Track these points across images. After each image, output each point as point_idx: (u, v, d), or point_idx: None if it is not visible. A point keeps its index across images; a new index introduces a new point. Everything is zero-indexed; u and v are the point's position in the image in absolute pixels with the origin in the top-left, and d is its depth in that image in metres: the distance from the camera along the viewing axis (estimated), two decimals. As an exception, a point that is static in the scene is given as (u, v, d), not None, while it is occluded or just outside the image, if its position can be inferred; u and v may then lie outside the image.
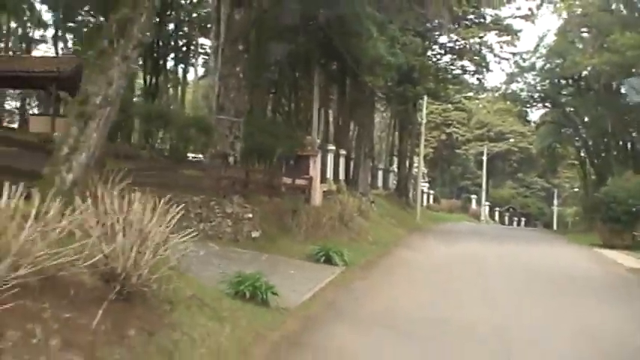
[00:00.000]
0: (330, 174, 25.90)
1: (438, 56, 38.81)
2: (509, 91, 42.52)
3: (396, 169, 46.04)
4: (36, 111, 25.86)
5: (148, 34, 8.20)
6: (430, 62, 34.08)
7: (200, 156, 23.55)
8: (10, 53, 26.51)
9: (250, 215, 15.11)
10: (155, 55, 31.86)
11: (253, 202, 16.29)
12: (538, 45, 38.67)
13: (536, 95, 41.32)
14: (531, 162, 68.52)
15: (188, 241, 6.41)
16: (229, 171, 16.34)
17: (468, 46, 35.67)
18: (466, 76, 40.45)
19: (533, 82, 40.29)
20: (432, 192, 59.51)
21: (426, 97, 37.51)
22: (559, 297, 12.35)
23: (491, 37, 35.55)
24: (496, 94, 47.50)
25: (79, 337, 4.80)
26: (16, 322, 4.34)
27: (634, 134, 34.61)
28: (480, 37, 35.05)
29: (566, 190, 71.62)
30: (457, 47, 36.61)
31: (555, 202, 67.38)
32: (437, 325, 8.87)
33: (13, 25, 29.76)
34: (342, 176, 29.21)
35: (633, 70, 27.38)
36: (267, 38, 22.02)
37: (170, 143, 24.26)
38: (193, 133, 22.08)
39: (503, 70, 41.65)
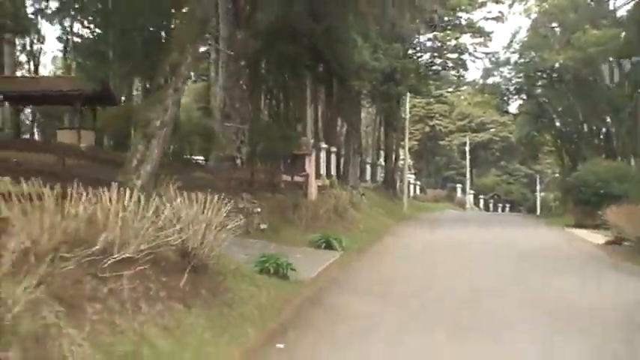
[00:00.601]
0: (323, 170, 28.18)
1: (419, 54, 41.22)
2: (487, 84, 44.88)
3: (383, 163, 48.25)
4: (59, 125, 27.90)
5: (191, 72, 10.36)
6: (411, 64, 36.23)
7: (200, 158, 25.64)
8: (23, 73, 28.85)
9: (258, 210, 17.28)
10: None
11: (259, 198, 18.45)
12: (511, 41, 41.30)
13: (512, 88, 43.80)
14: (512, 150, 70.81)
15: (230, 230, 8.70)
16: (237, 172, 18.50)
17: (444, 47, 38.15)
18: (445, 72, 42.89)
19: (508, 76, 42.83)
20: (418, 183, 61.89)
21: (408, 94, 39.85)
22: (525, 267, 14.73)
23: (466, 39, 38.19)
24: (475, 87, 49.82)
25: (174, 292, 7.05)
26: (140, 281, 6.56)
27: (602, 122, 37.09)
28: (456, 39, 37.54)
29: (548, 176, 74.02)
30: (435, 46, 39.06)
31: (538, 187, 69.82)
32: (418, 289, 11.22)
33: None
34: (333, 172, 31.51)
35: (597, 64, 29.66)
36: (261, 49, 24.10)
37: (173, 148, 26.25)
38: (197, 138, 24.15)
39: (477, 69, 44.29)
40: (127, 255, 6.40)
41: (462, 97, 68.36)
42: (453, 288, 11.31)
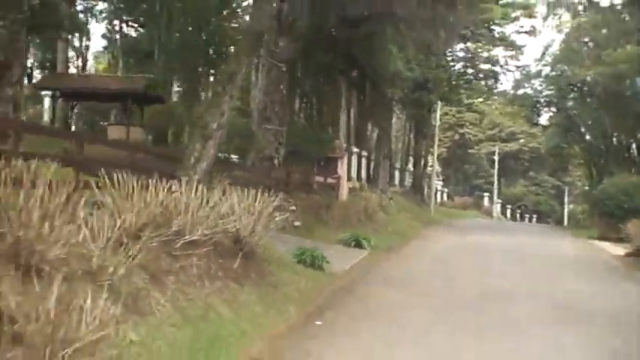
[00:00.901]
0: (354, 173, 29.25)
1: (451, 63, 42.08)
2: (518, 95, 45.48)
3: (411, 168, 49.15)
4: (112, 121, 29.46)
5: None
6: (443, 74, 37.08)
7: (235, 157, 26.90)
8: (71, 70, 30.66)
9: (293, 208, 18.37)
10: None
11: (294, 197, 19.60)
12: (544, 53, 41.90)
13: (542, 100, 44.33)
14: (542, 161, 70.87)
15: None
16: (274, 172, 19.67)
17: (476, 58, 39.00)
18: (477, 82, 43.68)
19: (539, 88, 43.37)
20: (445, 190, 62.56)
21: (439, 102, 40.72)
22: (542, 271, 15.65)
23: (498, 51, 38.97)
24: (506, 98, 50.39)
25: (230, 273, 8.21)
26: (203, 261, 7.72)
27: (630, 137, 37.52)
28: (488, 51, 38.39)
29: (577, 188, 73.94)
30: (468, 57, 39.93)
31: (566, 199, 69.90)
32: (443, 284, 12.24)
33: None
34: (364, 175, 32.56)
35: (627, 80, 30.28)
36: (299, 55, 25.25)
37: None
38: (235, 139, 25.39)
39: (508, 81, 45.01)
40: (194, 238, 7.56)
41: (493, 107, 68.72)
42: (472, 287, 12.29)
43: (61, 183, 5.93)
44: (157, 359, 5.26)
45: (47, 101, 26.88)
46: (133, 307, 5.64)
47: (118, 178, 7.24)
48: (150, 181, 7.63)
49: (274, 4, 12.91)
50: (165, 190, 7.57)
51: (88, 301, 4.54)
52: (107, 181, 7.08)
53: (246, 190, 9.59)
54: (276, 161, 19.86)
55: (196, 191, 8.37)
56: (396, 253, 18.27)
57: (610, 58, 29.64)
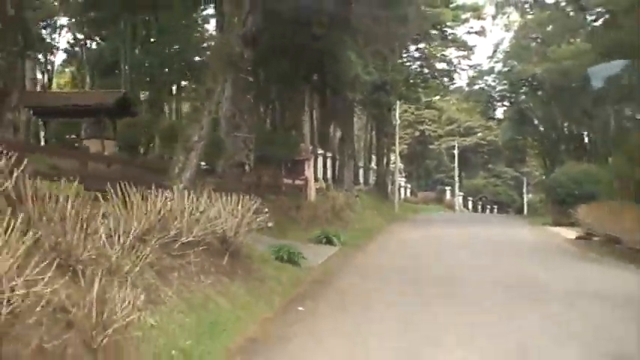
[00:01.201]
0: (320, 174, 30.45)
1: (408, 63, 43.70)
2: (472, 92, 47.41)
3: (374, 166, 50.62)
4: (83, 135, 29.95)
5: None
6: (399, 75, 38.57)
7: (203, 164, 27.82)
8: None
9: (266, 210, 19.49)
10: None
11: (265, 199, 20.67)
12: (495, 50, 43.89)
13: (496, 95, 46.34)
14: (499, 153, 73.34)
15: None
16: (245, 177, 20.73)
17: (431, 58, 40.77)
18: (432, 80, 45.48)
19: (492, 84, 45.36)
20: (408, 186, 64.35)
21: (398, 102, 42.25)
22: (497, 255, 17.13)
23: (451, 51, 40.80)
24: (462, 94, 52.31)
25: (220, 269, 9.29)
26: (197, 259, 8.79)
27: (578, 128, 39.64)
28: (441, 52, 40.15)
29: (535, 178, 76.46)
30: (423, 57, 41.65)
31: (525, 189, 72.34)
32: (405, 271, 13.54)
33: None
34: (329, 175, 33.79)
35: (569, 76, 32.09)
36: (263, 64, 26.31)
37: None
38: (206, 147, 26.29)
39: (462, 80, 46.95)
40: (189, 239, 8.64)
41: (451, 103, 70.77)
42: (434, 272, 13.62)
43: (76, 197, 6.95)
44: (172, 339, 6.34)
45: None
46: (148, 298, 6.69)
47: (121, 190, 8.28)
48: (146, 191, 8.67)
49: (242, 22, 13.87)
50: (163, 199, 8.61)
51: (119, 294, 5.63)
52: (112, 194, 8.09)
53: (220, 195, 10.66)
54: (247, 167, 20.91)
55: (188, 198, 9.45)
56: (363, 248, 19.52)
57: (555, 55, 31.44)
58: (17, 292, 4.65)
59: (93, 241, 6.37)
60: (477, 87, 46.11)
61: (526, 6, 39.99)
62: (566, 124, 39.76)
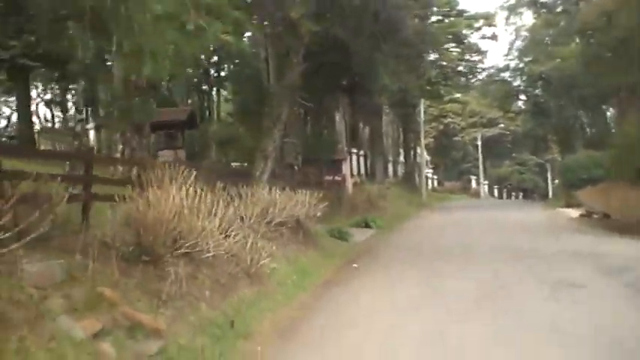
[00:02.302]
0: (355, 170, 34.75)
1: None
2: (490, 89, 51.31)
3: (403, 160, 54.73)
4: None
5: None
6: (422, 81, 42.70)
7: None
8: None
9: (325, 202, 23.88)
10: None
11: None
12: (510, 49, 47.71)
13: (513, 90, 50.16)
14: (523, 142, 76.42)
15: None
16: (296, 175, 25.12)
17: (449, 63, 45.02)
18: (453, 80, 49.62)
19: (509, 80, 49.18)
20: (435, 177, 68.25)
21: (422, 100, 46.35)
22: (504, 231, 21.26)
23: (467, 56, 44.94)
24: (480, 91, 56.16)
25: (297, 241, 13.71)
26: (284, 234, 13.18)
27: (585, 119, 43.39)
28: (460, 58, 44.30)
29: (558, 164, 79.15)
30: (442, 64, 45.91)
31: (549, 175, 75.39)
32: (429, 243, 17.86)
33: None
34: (362, 171, 38.08)
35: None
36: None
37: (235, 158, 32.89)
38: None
39: (480, 77, 51.38)
40: (279, 221, 13.06)
41: (472, 97, 74.20)
42: (451, 244, 17.86)
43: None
44: (286, 275, 10.76)
45: (92, 133, 32.20)
46: (266, 254, 11.11)
47: (225, 188, 12.69)
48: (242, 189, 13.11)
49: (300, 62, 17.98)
50: (263, 194, 13.03)
51: (261, 245, 10.06)
52: (229, 191, 12.52)
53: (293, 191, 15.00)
54: (296, 167, 25.30)
55: (276, 193, 13.87)
56: (396, 230, 23.81)
57: (558, 54, 35.14)
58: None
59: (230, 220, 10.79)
60: (493, 84, 49.98)
61: (537, 7, 43.61)
62: (575, 116, 43.36)
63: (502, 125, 74.77)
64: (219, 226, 9.04)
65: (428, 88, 45.51)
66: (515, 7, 43.84)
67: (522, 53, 44.61)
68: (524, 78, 47.37)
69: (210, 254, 8.45)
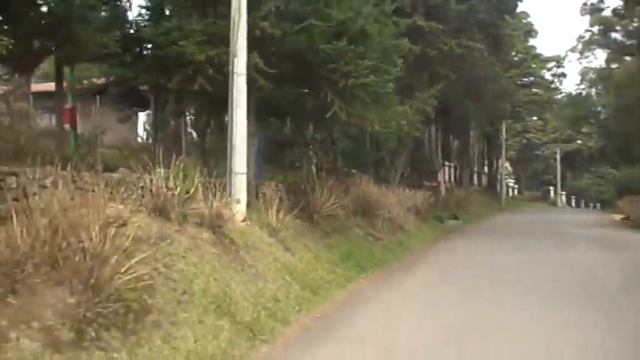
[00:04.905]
0: (447, 178, 44.31)
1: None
2: (561, 113, 59.65)
3: (486, 171, 63.46)
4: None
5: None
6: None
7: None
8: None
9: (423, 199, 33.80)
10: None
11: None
12: (582, 79, 55.93)
13: (581, 115, 58.18)
14: (602, 157, 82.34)
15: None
16: (404, 181, 34.98)
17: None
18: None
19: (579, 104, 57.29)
20: (516, 186, 76.15)
21: (504, 121, 55.28)
22: (557, 225, 30.52)
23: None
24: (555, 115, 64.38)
25: (419, 220, 23.74)
26: (412, 214, 23.22)
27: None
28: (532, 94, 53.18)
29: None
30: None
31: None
32: (500, 230, 27.54)
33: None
34: (452, 178, 47.55)
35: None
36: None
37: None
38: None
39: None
40: (408, 206, 23.11)
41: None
42: (516, 231, 27.33)
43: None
44: (418, 232, 20.86)
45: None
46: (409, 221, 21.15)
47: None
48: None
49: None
50: (400, 191, 23.13)
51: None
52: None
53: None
54: (405, 175, 35.18)
55: (404, 191, 23.88)
56: (476, 222, 33.33)
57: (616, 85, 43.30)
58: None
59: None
60: (566, 109, 58.33)
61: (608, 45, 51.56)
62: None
63: (579, 142, 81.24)
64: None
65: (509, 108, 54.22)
66: (588, 46, 51.96)
67: (591, 84, 52.51)
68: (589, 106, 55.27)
69: (388, 216, 18.71)
